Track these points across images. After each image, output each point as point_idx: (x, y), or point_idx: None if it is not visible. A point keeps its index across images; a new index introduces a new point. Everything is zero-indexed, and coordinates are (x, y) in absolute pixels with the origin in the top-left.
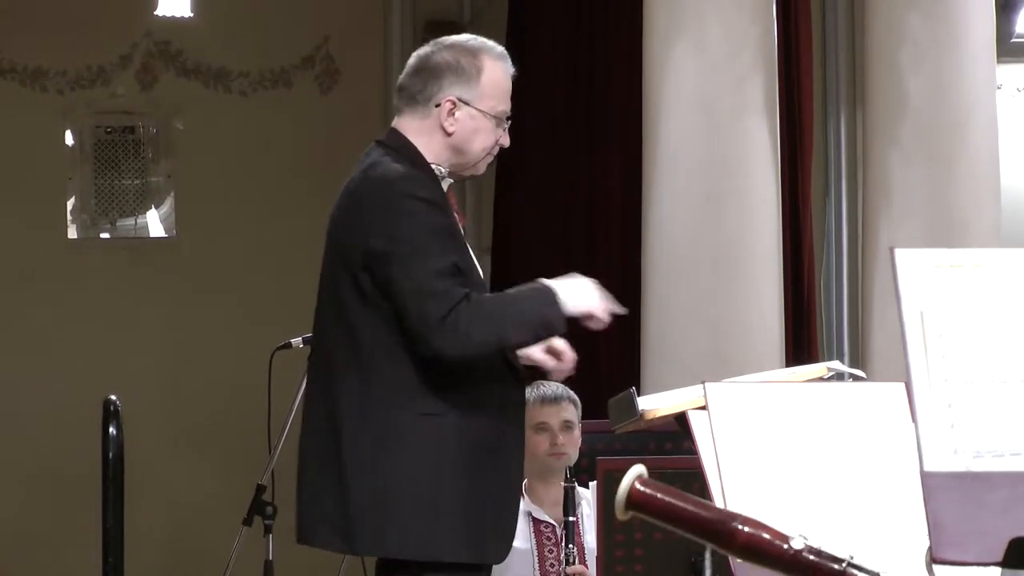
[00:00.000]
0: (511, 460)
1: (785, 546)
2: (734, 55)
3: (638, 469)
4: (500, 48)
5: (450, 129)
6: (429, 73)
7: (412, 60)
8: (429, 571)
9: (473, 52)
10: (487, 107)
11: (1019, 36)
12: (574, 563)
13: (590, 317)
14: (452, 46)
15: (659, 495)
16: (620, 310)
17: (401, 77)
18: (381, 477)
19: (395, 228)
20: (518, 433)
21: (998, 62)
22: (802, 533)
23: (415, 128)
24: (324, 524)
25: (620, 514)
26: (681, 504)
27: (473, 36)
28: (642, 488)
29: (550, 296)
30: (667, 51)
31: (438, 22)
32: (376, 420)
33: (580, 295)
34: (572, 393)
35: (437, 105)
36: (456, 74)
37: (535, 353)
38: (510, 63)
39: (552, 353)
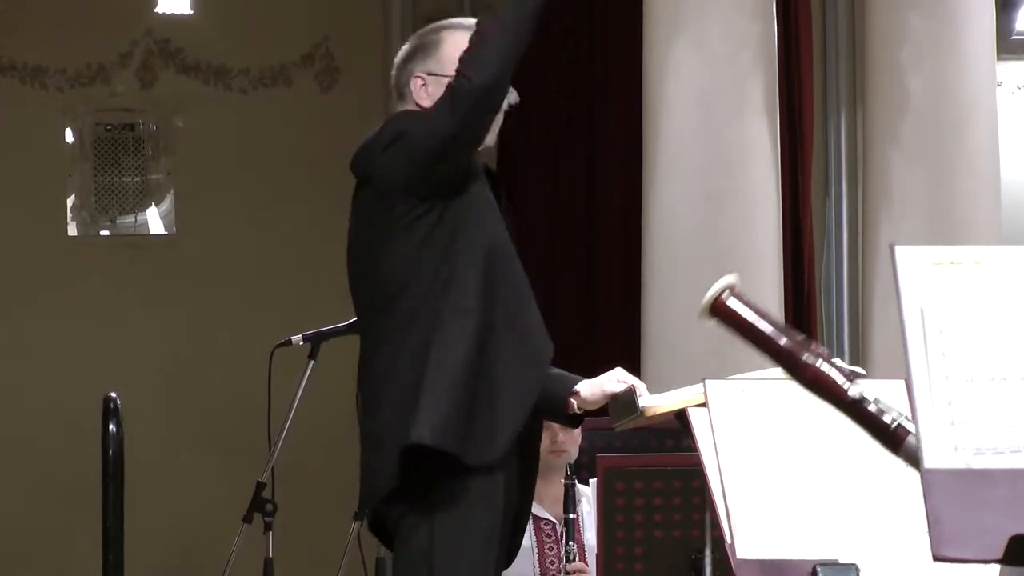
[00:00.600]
0: (537, 364)
1: (846, 388)
2: (734, 54)
3: (732, 280)
4: (466, 20)
5: (424, 103)
6: (401, 63)
7: (411, 39)
8: (457, 472)
9: (435, 30)
10: (453, 71)
11: (1019, 34)
12: (574, 560)
13: None
14: (419, 32)
15: (741, 312)
16: None
17: (398, 55)
18: (398, 372)
19: (395, 127)
20: (532, 345)
21: (998, 60)
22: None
23: None
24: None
25: (701, 315)
26: (760, 326)
27: (443, 21)
28: (729, 301)
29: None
30: (667, 50)
31: (437, 20)
32: (415, 336)
33: None
34: None
35: (410, 87)
36: (420, 52)
37: (614, 388)
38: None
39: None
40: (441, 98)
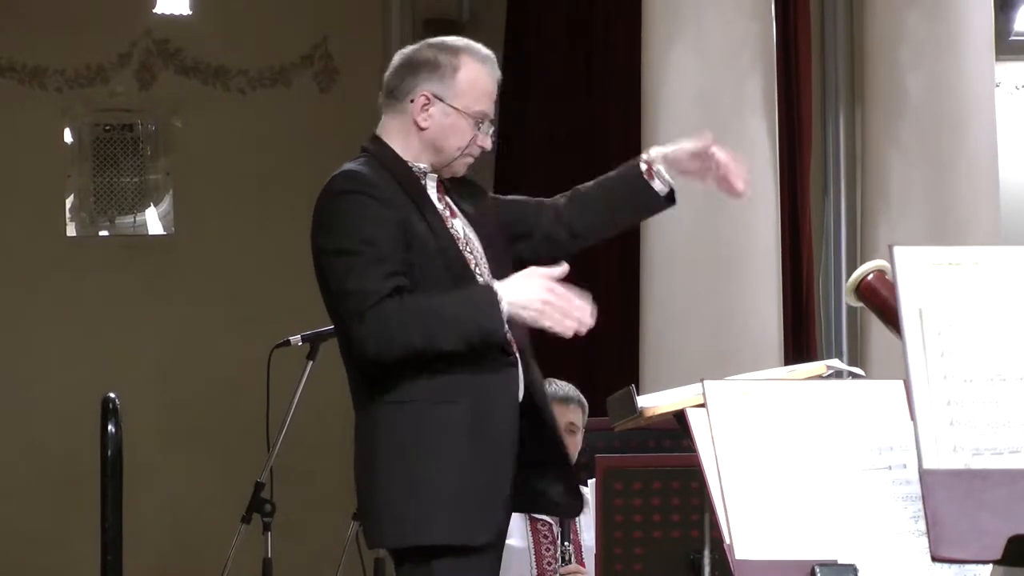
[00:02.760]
0: (494, 446)
1: None
2: (733, 54)
3: (881, 264)
4: (487, 51)
5: (423, 124)
6: (407, 69)
7: (395, 58)
8: (423, 559)
9: (454, 50)
10: (461, 105)
11: (1018, 34)
12: (570, 561)
13: (539, 316)
14: (435, 44)
15: (884, 292)
16: (589, 321)
17: (385, 75)
18: (364, 469)
19: (325, 226)
20: (504, 418)
21: (997, 60)
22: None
23: (394, 128)
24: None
25: (848, 295)
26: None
27: (462, 38)
28: (875, 283)
29: (490, 297)
30: (666, 50)
31: (437, 20)
32: (360, 412)
33: (524, 291)
34: (582, 397)
35: (412, 100)
36: (431, 70)
37: (694, 146)
38: (496, 68)
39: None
40: (353, 306)
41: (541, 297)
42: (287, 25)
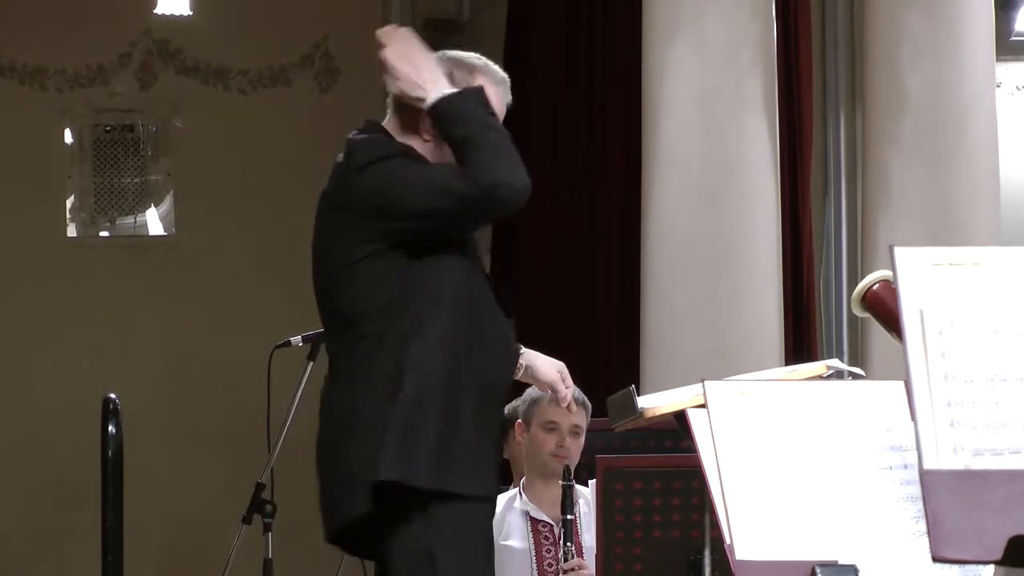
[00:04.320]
0: (492, 406)
1: None
2: (733, 53)
3: (884, 275)
4: (503, 74)
5: (427, 137)
6: None
7: None
8: (422, 507)
9: (470, 68)
10: None
11: (1018, 34)
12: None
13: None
14: (453, 59)
15: (890, 302)
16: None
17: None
18: (375, 413)
19: (374, 183)
20: (502, 380)
21: (997, 61)
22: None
23: (397, 126)
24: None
25: (855, 305)
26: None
27: (480, 56)
28: (881, 292)
29: (478, 96)
30: (667, 49)
31: (437, 20)
32: (372, 378)
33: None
34: (587, 400)
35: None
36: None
37: (549, 374)
38: (508, 91)
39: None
40: (444, 176)
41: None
42: (287, 25)
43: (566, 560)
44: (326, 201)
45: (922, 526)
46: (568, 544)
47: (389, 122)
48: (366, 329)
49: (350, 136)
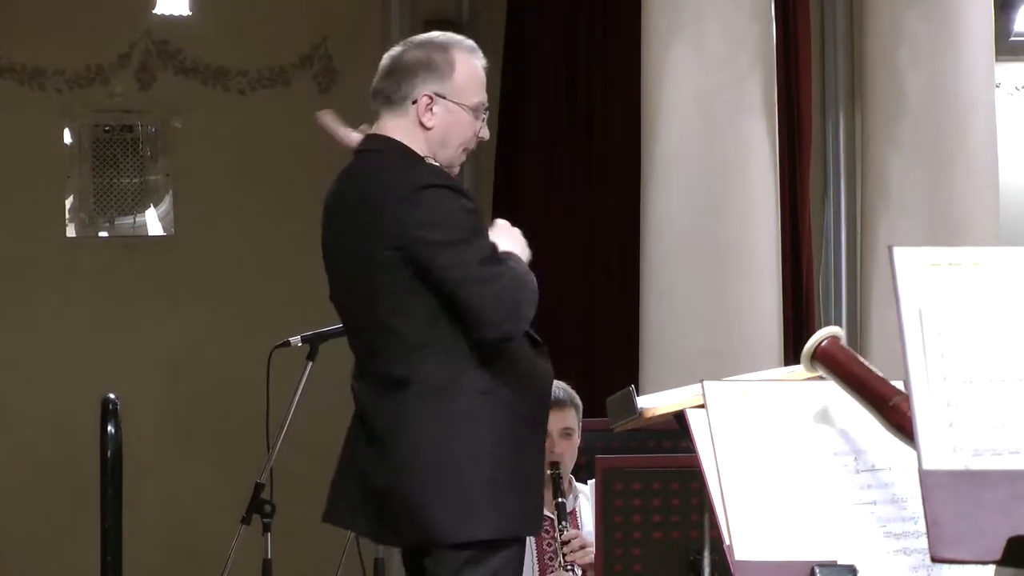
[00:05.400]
0: (543, 435)
1: None
2: (733, 55)
3: (834, 331)
4: (470, 42)
5: (429, 124)
6: (402, 73)
7: (384, 62)
8: (489, 549)
9: (444, 47)
10: (463, 99)
11: (1018, 35)
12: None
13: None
14: (422, 44)
15: (840, 356)
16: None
17: (375, 81)
18: (447, 462)
19: (435, 216)
20: (547, 410)
21: (997, 61)
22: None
23: (397, 128)
24: (389, 522)
25: (804, 363)
26: (854, 370)
27: (442, 32)
28: (828, 347)
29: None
30: (666, 50)
31: (437, 21)
32: (437, 409)
33: (518, 245)
34: (576, 397)
35: (414, 102)
36: (429, 70)
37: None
38: (481, 55)
39: None
40: (492, 295)
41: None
42: (287, 26)
43: (561, 536)
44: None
45: (921, 526)
46: (563, 523)
47: (389, 128)
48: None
49: (378, 159)
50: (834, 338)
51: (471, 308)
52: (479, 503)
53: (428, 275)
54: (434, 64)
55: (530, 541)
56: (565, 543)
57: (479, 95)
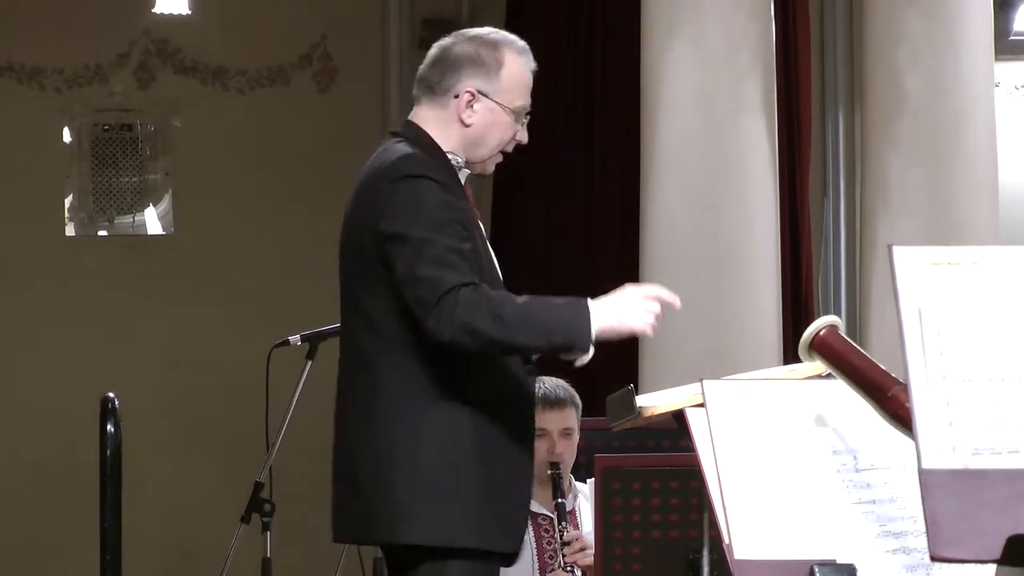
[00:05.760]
0: (522, 451)
1: None
2: (732, 54)
3: (832, 320)
4: (522, 43)
5: (468, 121)
6: (448, 64)
7: (433, 50)
8: (445, 557)
9: (494, 45)
10: (506, 100)
11: (1017, 34)
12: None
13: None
14: (474, 38)
15: (838, 346)
16: (672, 301)
17: (421, 67)
18: (401, 466)
19: (395, 209)
20: (529, 426)
21: (996, 60)
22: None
23: (432, 118)
24: (347, 518)
25: (802, 353)
26: (853, 360)
27: (495, 29)
28: (826, 337)
29: (580, 310)
30: (665, 50)
31: (436, 20)
32: (398, 410)
33: (621, 311)
34: (575, 395)
35: (456, 96)
36: (476, 66)
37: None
38: (531, 58)
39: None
40: (426, 295)
41: (638, 312)
42: (286, 25)
43: (561, 537)
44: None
45: (921, 525)
46: (563, 523)
47: (423, 117)
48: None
49: (394, 144)
50: (832, 327)
51: (409, 306)
52: (423, 509)
53: (388, 268)
54: (482, 60)
55: (530, 540)
56: (566, 544)
57: (523, 98)
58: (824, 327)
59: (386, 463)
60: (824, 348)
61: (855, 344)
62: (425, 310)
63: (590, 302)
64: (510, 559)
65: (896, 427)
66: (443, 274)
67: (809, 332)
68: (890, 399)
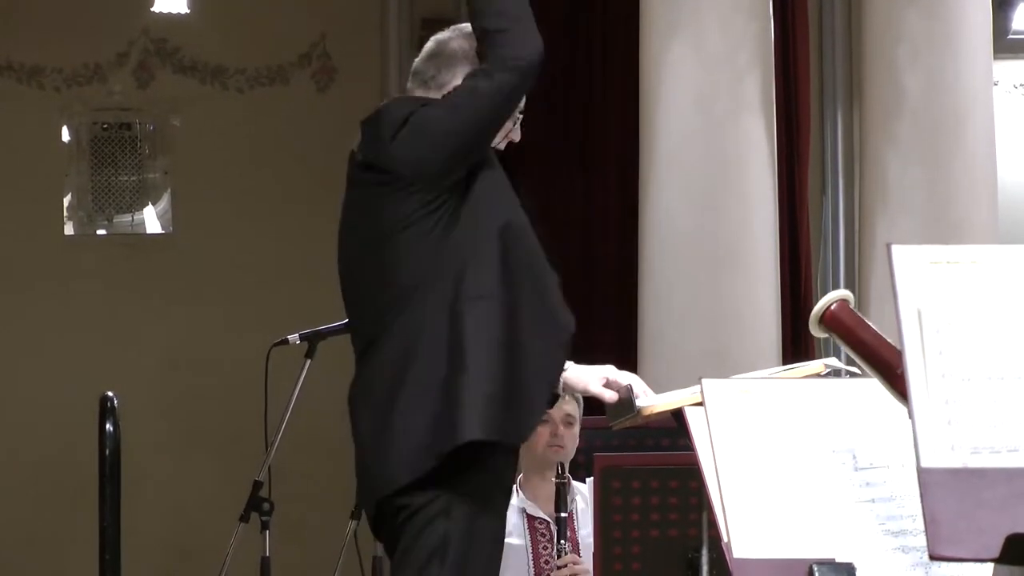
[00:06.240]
0: (549, 341)
1: None
2: (731, 53)
3: (844, 295)
4: None
5: None
6: (444, 59)
7: (429, 44)
8: (494, 454)
9: None
10: None
11: (1016, 32)
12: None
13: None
14: (470, 34)
15: (848, 320)
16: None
17: (416, 61)
18: (446, 370)
19: (400, 111)
20: (557, 319)
21: (995, 58)
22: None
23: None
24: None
25: (812, 326)
26: (863, 335)
27: None
28: (837, 311)
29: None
30: (665, 49)
31: (434, 20)
32: (434, 325)
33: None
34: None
35: (450, 92)
36: (471, 62)
37: (596, 388)
38: None
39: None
40: (466, 85)
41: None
42: (285, 24)
43: (559, 557)
44: (363, 174)
45: (919, 524)
46: (563, 542)
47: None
48: (417, 298)
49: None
50: (843, 301)
51: (468, 110)
52: (473, 405)
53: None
54: (477, 58)
55: (527, 545)
56: (561, 567)
57: None
58: (835, 301)
59: (436, 373)
60: (835, 322)
61: (866, 320)
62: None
63: None
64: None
65: (904, 404)
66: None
67: (820, 305)
68: (899, 377)
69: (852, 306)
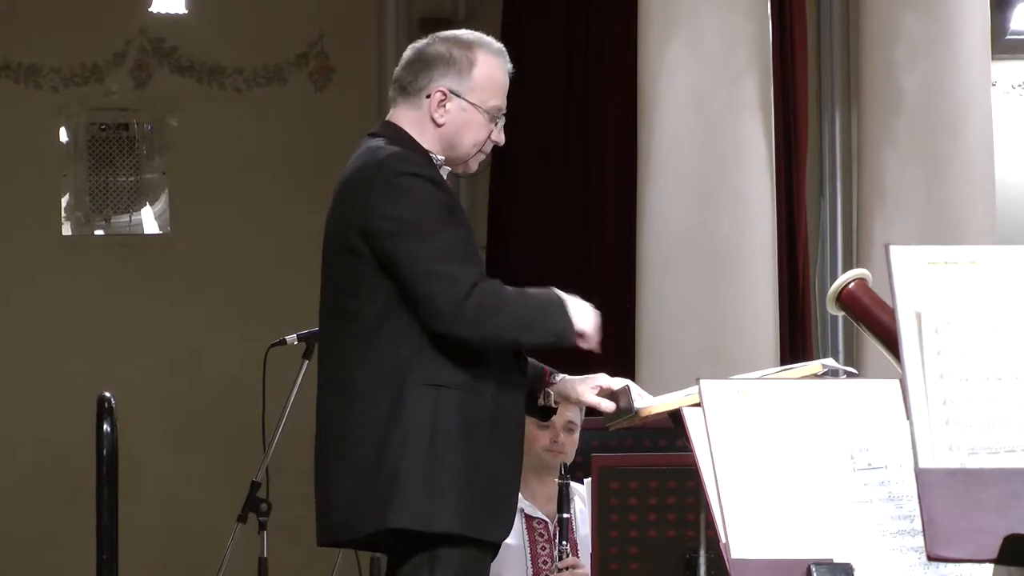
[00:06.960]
0: (511, 442)
1: None
2: (729, 53)
3: (862, 273)
4: (498, 44)
5: (440, 120)
6: (422, 64)
7: (408, 52)
8: (433, 546)
9: (467, 45)
10: (478, 100)
11: (1014, 33)
12: (567, 558)
13: (582, 337)
14: (447, 38)
15: (865, 300)
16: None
17: (396, 69)
18: (385, 450)
19: (394, 207)
20: (519, 417)
21: (993, 59)
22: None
23: (408, 119)
24: (330, 512)
25: (830, 304)
26: (879, 315)
27: (472, 31)
28: (855, 290)
29: (562, 307)
30: (662, 49)
31: (432, 19)
32: (382, 394)
33: (583, 313)
34: None
35: (428, 96)
36: (447, 65)
37: (590, 398)
38: (508, 60)
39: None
40: (443, 291)
41: (592, 319)
42: (283, 24)
43: (561, 559)
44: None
45: (917, 524)
46: (563, 543)
47: (400, 117)
48: (368, 330)
49: (376, 144)
50: (861, 280)
51: (416, 298)
52: (407, 494)
53: (386, 264)
54: (454, 60)
55: (525, 546)
56: (561, 569)
57: (497, 99)
58: (853, 279)
59: (374, 450)
60: (851, 301)
61: (883, 300)
62: (443, 303)
63: (563, 296)
64: (497, 550)
65: None
66: (455, 269)
67: (838, 283)
68: None
69: (870, 285)
